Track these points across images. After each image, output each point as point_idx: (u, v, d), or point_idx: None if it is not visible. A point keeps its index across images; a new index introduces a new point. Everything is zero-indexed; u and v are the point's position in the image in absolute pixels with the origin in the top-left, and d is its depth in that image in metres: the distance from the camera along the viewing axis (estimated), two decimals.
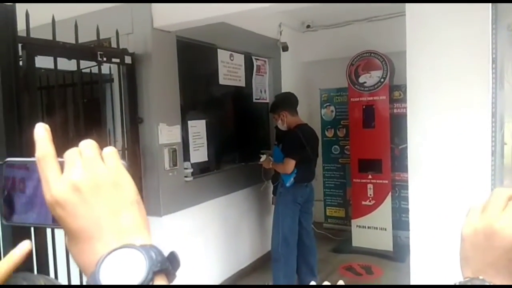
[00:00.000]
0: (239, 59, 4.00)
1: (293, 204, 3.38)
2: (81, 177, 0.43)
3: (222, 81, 3.75)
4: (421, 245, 2.30)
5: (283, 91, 4.45)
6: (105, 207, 0.43)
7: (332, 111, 5.08)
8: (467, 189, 2.15)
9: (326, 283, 0.73)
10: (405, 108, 4.50)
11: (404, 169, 4.62)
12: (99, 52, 2.69)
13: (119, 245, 0.41)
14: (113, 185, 0.44)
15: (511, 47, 2.14)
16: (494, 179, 2.14)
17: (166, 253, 0.43)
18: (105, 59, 2.75)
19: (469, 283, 0.46)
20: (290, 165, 3.25)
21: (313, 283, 0.73)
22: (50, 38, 2.41)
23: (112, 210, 0.44)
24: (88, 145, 0.46)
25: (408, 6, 2.17)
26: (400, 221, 4.65)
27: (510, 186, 2.46)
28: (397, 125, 4.58)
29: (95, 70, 3.00)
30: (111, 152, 0.47)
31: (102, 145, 0.48)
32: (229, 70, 3.85)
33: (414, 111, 2.26)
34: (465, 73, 2.12)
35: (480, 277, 0.47)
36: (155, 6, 2.92)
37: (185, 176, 3.20)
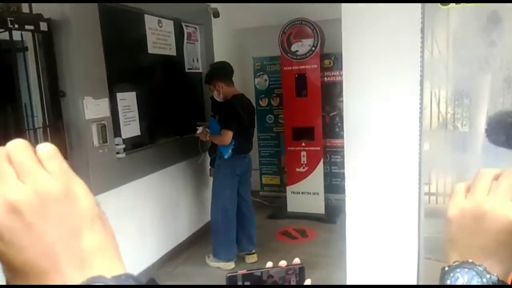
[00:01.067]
0: (169, 25, 3.78)
1: (232, 176, 3.38)
2: (19, 194, 0.33)
3: (151, 49, 3.53)
4: (356, 208, 2.43)
5: (216, 60, 4.34)
6: (58, 229, 0.33)
7: (265, 80, 5.08)
8: (397, 152, 2.29)
9: (269, 263, 0.70)
10: (335, 76, 4.72)
11: (335, 135, 4.85)
12: (9, 18, 2.37)
13: (83, 278, 0.33)
14: (64, 198, 0.34)
15: (439, 17, 2.26)
16: (421, 139, 2.30)
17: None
18: (16, 26, 2.43)
19: (459, 267, 0.45)
20: (228, 136, 3.21)
21: (308, 281, 0.70)
22: None
23: (69, 232, 0.34)
24: (19, 146, 0.34)
25: None
26: (331, 185, 4.89)
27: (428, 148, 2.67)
28: (328, 94, 4.73)
29: (3, 36, 2.67)
30: (50, 152, 0.35)
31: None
32: (158, 38, 3.63)
33: (349, 78, 2.31)
34: (397, 40, 2.20)
35: (469, 260, 0.45)
36: None
37: (117, 153, 3.02)
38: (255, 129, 3.96)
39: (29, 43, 2.73)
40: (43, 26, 2.62)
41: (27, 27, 2.52)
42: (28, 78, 2.89)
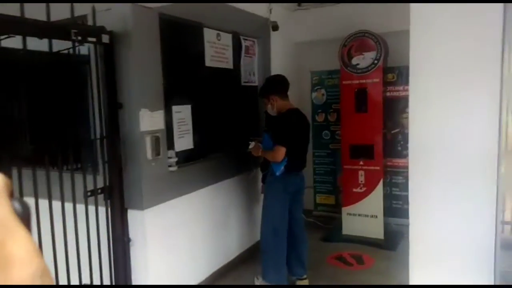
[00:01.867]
0: (227, 39, 3.75)
1: (283, 194, 3.22)
2: None
3: (208, 62, 3.51)
4: (421, 235, 2.17)
5: (272, 73, 4.24)
6: None
7: (323, 94, 4.90)
8: (470, 175, 2.02)
9: None
10: (399, 91, 4.43)
11: (396, 154, 4.53)
12: (73, 30, 2.42)
13: None
14: None
15: None
16: (499, 163, 2.02)
17: None
18: (80, 38, 2.48)
19: None
20: (281, 152, 3.07)
21: None
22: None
23: None
24: None
25: None
26: (391, 208, 4.57)
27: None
28: (390, 109, 4.45)
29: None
30: None
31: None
32: (216, 51, 3.60)
33: (416, 93, 2.09)
34: (472, 52, 1.96)
35: None
36: None
37: (169, 166, 2.99)
38: (310, 145, 3.77)
39: (90, 56, 2.81)
40: (105, 39, 2.66)
41: (89, 39, 2.57)
42: (89, 91, 2.96)
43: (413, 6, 2.05)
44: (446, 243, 2.13)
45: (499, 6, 1.90)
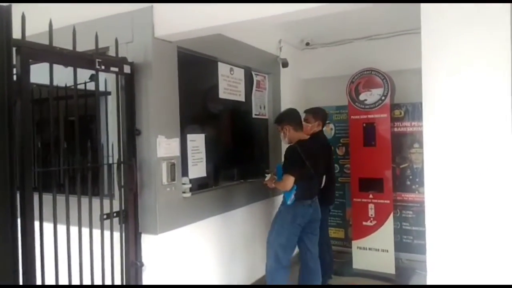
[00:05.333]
0: (239, 73, 3.91)
1: (291, 224, 3.21)
2: None
3: (222, 95, 3.65)
4: (439, 270, 2.15)
5: (282, 107, 4.37)
6: None
7: (331, 129, 5.00)
8: (488, 207, 2.03)
9: None
10: (406, 127, 4.53)
11: (406, 189, 4.55)
12: (97, 60, 2.57)
13: None
14: None
15: None
16: None
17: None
18: (103, 67, 2.63)
19: None
20: (288, 181, 3.12)
21: None
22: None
23: None
24: None
25: (424, 17, 2.09)
26: (401, 243, 4.52)
27: None
28: (398, 144, 4.52)
29: (88, 86, 2.91)
30: None
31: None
32: (229, 84, 3.75)
33: (430, 128, 2.14)
34: (484, 88, 2.03)
35: None
36: (157, 14, 2.83)
37: (183, 192, 3.04)
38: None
39: (111, 88, 2.95)
40: (127, 69, 2.81)
41: (112, 69, 2.71)
42: (106, 119, 3.08)
43: (424, 40, 2.13)
44: (465, 278, 2.09)
45: (507, 39, 1.97)
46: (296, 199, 3.18)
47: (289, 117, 3.40)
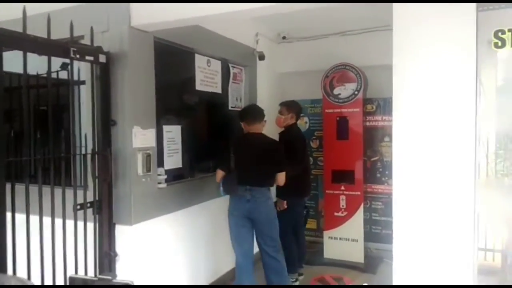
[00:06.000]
0: (216, 65, 3.93)
1: (231, 216, 3.27)
2: None
3: (198, 86, 3.66)
4: (404, 261, 2.27)
5: (258, 100, 4.43)
6: None
7: (306, 122, 5.10)
8: (449, 204, 2.15)
9: None
10: (377, 121, 4.67)
11: (376, 181, 4.71)
12: (72, 48, 2.53)
13: None
14: None
15: (490, 62, 2.21)
16: (475, 192, 2.16)
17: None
18: (78, 56, 2.60)
19: None
20: (217, 174, 3.24)
21: None
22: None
23: None
24: None
25: (395, 16, 2.18)
26: (371, 233, 4.69)
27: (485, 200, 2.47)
28: (370, 138, 4.66)
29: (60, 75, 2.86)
30: None
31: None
32: (206, 76, 3.76)
33: (399, 122, 2.24)
34: (449, 85, 2.14)
35: None
36: (134, 4, 2.81)
37: (159, 183, 3.05)
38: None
39: (86, 77, 2.91)
40: (102, 58, 2.78)
41: (87, 57, 2.68)
42: (80, 109, 3.05)
43: (395, 38, 2.22)
44: (427, 268, 2.22)
45: (473, 37, 2.09)
46: (224, 192, 3.23)
47: (241, 114, 3.45)
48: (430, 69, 2.14)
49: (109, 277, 0.69)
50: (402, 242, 2.27)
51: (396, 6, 2.17)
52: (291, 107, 3.91)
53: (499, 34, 2.11)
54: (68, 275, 2.46)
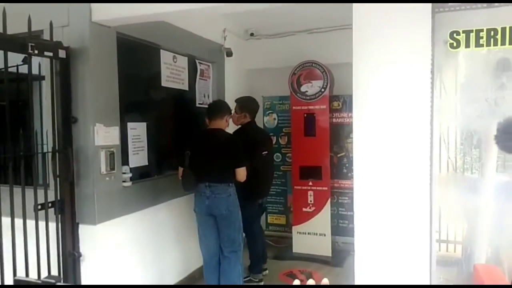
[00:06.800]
0: (183, 61, 3.89)
1: (195, 212, 3.27)
2: None
3: (164, 83, 3.61)
4: (365, 253, 2.34)
5: (226, 96, 4.41)
6: None
7: (274, 118, 5.13)
8: (407, 196, 2.23)
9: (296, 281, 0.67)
10: (344, 118, 4.76)
11: (342, 176, 4.81)
12: (30, 44, 2.45)
13: None
14: None
15: (447, 60, 2.29)
16: (431, 186, 2.24)
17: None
18: (36, 51, 2.51)
19: None
20: (179, 172, 3.25)
21: (325, 281, 0.68)
22: None
23: None
24: None
25: (355, 16, 2.23)
26: (338, 227, 4.79)
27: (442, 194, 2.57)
28: (336, 134, 4.75)
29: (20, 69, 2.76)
30: None
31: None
32: (172, 72, 3.72)
33: (359, 119, 2.30)
34: (406, 84, 2.21)
35: None
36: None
37: (123, 181, 3.00)
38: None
39: (45, 71, 2.82)
40: (62, 54, 2.70)
41: (46, 53, 2.60)
42: (41, 106, 2.95)
43: (355, 37, 2.27)
44: (387, 261, 2.30)
45: (428, 38, 2.17)
46: (185, 189, 3.25)
47: (207, 111, 3.44)
48: (387, 68, 2.20)
49: (53, 281, 0.68)
50: (363, 235, 2.34)
51: (356, 6, 2.22)
52: (243, 106, 3.80)
53: (454, 35, 2.19)
54: (21, 276, 2.39)
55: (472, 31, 2.14)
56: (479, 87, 2.73)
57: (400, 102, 2.22)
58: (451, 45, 2.21)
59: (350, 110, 4.73)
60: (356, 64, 2.25)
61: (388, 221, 2.29)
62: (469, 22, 2.14)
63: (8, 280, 2.28)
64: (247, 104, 3.85)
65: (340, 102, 4.79)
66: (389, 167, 2.26)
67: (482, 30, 2.13)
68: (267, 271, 4.06)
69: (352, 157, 4.66)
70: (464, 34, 2.18)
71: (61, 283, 0.74)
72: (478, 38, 2.14)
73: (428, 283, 2.25)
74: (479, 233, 2.70)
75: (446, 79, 3.00)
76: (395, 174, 2.25)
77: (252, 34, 5.09)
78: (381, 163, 2.26)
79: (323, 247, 4.50)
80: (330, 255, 4.47)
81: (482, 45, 2.18)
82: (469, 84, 3.00)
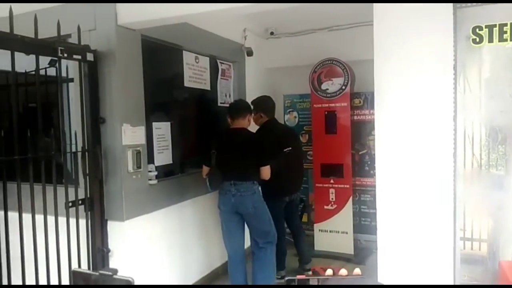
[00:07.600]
0: (205, 62, 3.96)
1: (220, 210, 3.33)
2: None
3: (187, 83, 3.70)
4: (388, 252, 2.34)
5: (247, 95, 4.47)
6: None
7: (295, 116, 5.15)
8: (431, 194, 2.23)
9: (329, 271, 0.69)
10: (365, 115, 4.74)
11: (364, 174, 4.79)
12: (60, 48, 2.56)
13: None
14: None
15: (470, 55, 2.27)
16: (455, 183, 2.23)
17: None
18: (65, 55, 2.62)
19: None
20: (203, 170, 3.32)
21: (357, 271, 0.69)
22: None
23: None
24: None
25: (376, 15, 2.24)
26: (360, 225, 4.77)
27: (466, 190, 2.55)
28: (357, 132, 4.74)
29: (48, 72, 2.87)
30: None
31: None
32: (195, 73, 3.80)
33: (381, 117, 2.30)
34: (429, 80, 2.20)
35: None
36: (120, 2, 2.83)
37: (149, 179, 3.09)
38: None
39: (74, 74, 2.93)
40: (90, 57, 2.81)
41: (75, 56, 2.70)
42: (69, 107, 3.07)
43: (376, 37, 2.28)
44: (410, 259, 2.30)
45: (450, 34, 2.15)
46: (211, 187, 3.31)
47: (228, 110, 3.49)
48: (408, 65, 2.21)
49: (110, 273, 0.73)
50: (386, 233, 2.35)
51: (376, 5, 2.23)
52: (256, 107, 3.81)
53: (477, 30, 2.17)
54: (62, 271, 2.50)
55: (495, 25, 2.12)
56: (504, 82, 2.69)
57: (422, 98, 2.22)
58: (474, 41, 2.19)
59: (372, 107, 4.74)
60: (377, 62, 2.26)
61: (411, 219, 2.28)
62: (492, 17, 2.12)
63: (41, 276, 2.38)
64: (258, 105, 3.87)
65: (361, 99, 4.76)
66: (412, 164, 2.26)
67: (506, 25, 2.11)
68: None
69: (374, 154, 4.67)
70: (487, 29, 2.16)
71: (117, 276, 0.78)
72: (501, 32, 2.12)
73: (452, 282, 2.24)
74: (505, 230, 2.66)
75: (470, 75, 2.97)
76: (418, 171, 2.25)
77: (272, 33, 5.12)
78: (404, 160, 2.26)
79: (345, 245, 4.50)
80: (352, 253, 4.47)
81: (506, 40, 2.16)
82: (493, 79, 2.96)
